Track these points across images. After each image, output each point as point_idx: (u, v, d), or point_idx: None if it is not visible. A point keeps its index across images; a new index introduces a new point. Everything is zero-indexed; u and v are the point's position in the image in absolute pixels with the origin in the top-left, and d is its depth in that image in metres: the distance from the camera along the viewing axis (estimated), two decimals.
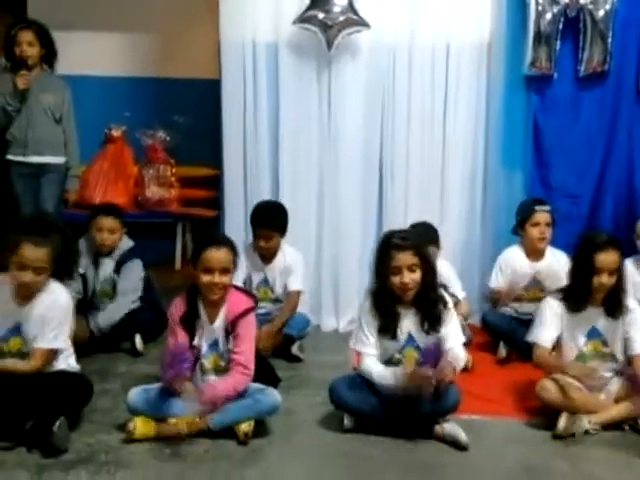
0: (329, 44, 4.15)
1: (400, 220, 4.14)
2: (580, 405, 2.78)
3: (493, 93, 4.23)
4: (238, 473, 2.41)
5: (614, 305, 2.85)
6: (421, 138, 4.34)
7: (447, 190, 4.41)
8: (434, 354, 2.61)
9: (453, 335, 2.71)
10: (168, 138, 5.21)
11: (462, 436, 2.59)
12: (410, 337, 2.71)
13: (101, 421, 2.76)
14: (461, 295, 3.79)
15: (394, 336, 2.69)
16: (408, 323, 2.70)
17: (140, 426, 2.58)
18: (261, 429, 2.67)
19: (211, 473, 2.41)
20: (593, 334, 2.89)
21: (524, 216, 3.82)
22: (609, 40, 4.03)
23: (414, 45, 4.25)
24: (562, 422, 2.69)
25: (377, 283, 2.70)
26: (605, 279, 2.80)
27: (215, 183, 4.63)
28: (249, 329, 2.73)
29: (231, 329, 2.69)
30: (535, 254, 3.83)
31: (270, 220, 3.69)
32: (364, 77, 4.29)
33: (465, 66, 4.26)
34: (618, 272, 2.84)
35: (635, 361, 2.85)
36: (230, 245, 2.75)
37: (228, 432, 2.61)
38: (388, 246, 2.65)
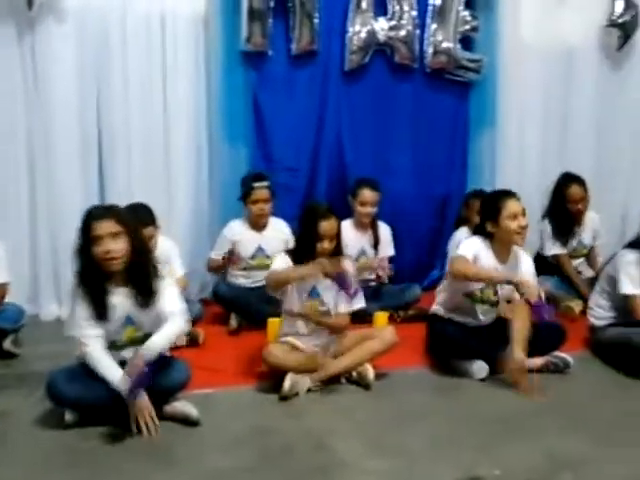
0: (30, 3, 3.77)
1: (124, 197, 3.95)
2: (303, 365, 2.97)
3: (212, 68, 4.24)
4: None
5: None
6: (142, 111, 4.20)
7: (173, 164, 4.35)
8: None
9: (169, 303, 2.61)
10: None
11: (193, 412, 2.59)
12: (128, 317, 2.60)
13: None
14: (180, 272, 3.72)
15: (106, 317, 2.55)
16: (122, 300, 2.58)
17: None
18: None
19: None
20: (313, 294, 3.09)
21: (244, 192, 3.94)
22: (316, 21, 4.28)
23: (127, 12, 4.07)
24: (287, 383, 2.85)
25: (81, 260, 2.52)
26: (326, 244, 3.02)
27: None
28: None
29: None
30: (258, 226, 3.99)
31: None
32: (74, 42, 4.01)
33: (182, 39, 4.21)
34: (337, 237, 3.08)
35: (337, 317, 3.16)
36: None
37: None
38: (88, 218, 2.52)
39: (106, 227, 2.47)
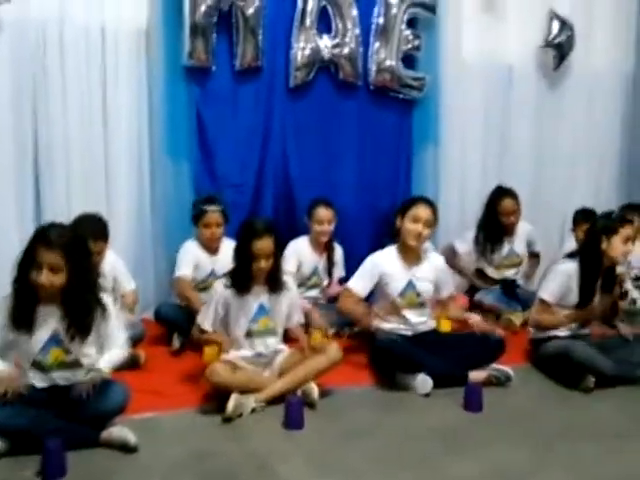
0: None
1: (63, 215, 3.82)
2: (247, 384, 2.92)
3: (154, 82, 4.17)
4: None
5: (275, 284, 3.08)
6: (81, 125, 4.10)
7: (113, 181, 4.25)
8: None
9: (114, 338, 2.60)
10: None
11: (131, 437, 2.50)
12: (54, 336, 2.51)
13: None
14: (130, 287, 3.68)
15: (25, 325, 2.46)
16: (49, 316, 2.50)
17: None
18: None
19: None
20: (260, 312, 3.06)
21: (195, 214, 3.87)
22: (260, 37, 4.26)
23: (65, 24, 3.97)
24: (231, 404, 2.78)
25: (18, 277, 2.45)
26: (262, 264, 2.99)
27: None
28: None
29: None
30: (211, 249, 3.93)
31: None
32: (9, 54, 3.88)
33: (123, 52, 4.13)
34: (274, 255, 3.04)
35: (293, 331, 3.21)
36: None
37: None
38: (36, 240, 2.44)
39: (49, 257, 2.39)
